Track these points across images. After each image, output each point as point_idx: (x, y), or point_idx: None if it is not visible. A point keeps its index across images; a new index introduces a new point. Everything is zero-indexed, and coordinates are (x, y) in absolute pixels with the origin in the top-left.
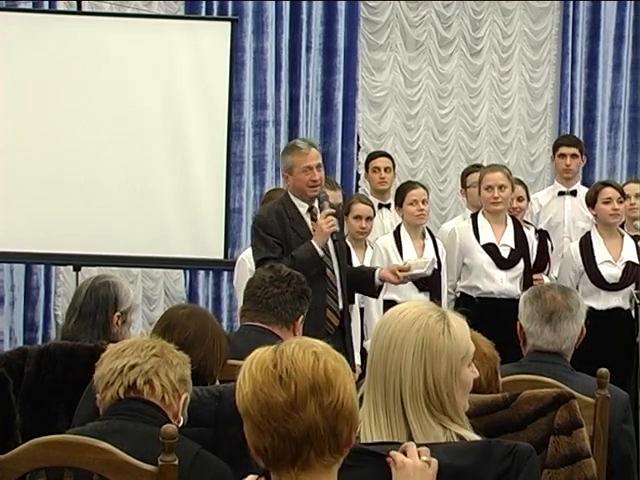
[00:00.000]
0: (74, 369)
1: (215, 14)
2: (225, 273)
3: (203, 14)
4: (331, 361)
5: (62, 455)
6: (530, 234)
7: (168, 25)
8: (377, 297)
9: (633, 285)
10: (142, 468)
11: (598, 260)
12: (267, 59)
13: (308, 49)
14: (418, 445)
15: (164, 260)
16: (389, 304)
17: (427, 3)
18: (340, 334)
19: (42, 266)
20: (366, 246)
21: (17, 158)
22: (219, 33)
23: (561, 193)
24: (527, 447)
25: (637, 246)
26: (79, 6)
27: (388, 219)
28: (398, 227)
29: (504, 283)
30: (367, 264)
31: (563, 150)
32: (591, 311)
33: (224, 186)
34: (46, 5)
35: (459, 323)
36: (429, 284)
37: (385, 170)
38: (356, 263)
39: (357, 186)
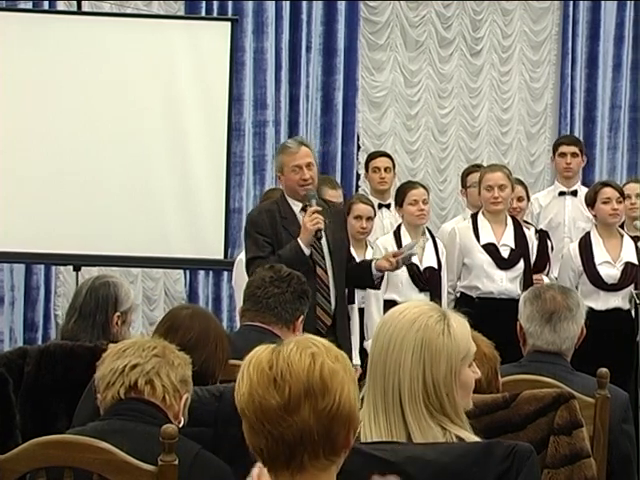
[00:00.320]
0: (74, 369)
1: (215, 14)
2: (225, 273)
3: (203, 14)
4: (329, 363)
5: (62, 455)
6: (530, 234)
7: (168, 25)
8: (379, 288)
9: (633, 285)
10: (142, 468)
11: (597, 261)
12: (267, 59)
13: (308, 49)
14: (418, 445)
15: (164, 260)
16: (389, 304)
17: (427, 3)
18: (332, 333)
19: (42, 266)
20: (366, 246)
21: (17, 158)
22: (219, 33)
23: (562, 193)
24: (527, 447)
25: (637, 247)
26: (79, 6)
27: (388, 219)
28: (398, 227)
29: (504, 283)
30: None
31: (563, 149)
32: (590, 311)
33: (224, 186)
34: (46, 5)
35: (460, 323)
36: (429, 284)
37: (385, 170)
38: None
39: (357, 186)
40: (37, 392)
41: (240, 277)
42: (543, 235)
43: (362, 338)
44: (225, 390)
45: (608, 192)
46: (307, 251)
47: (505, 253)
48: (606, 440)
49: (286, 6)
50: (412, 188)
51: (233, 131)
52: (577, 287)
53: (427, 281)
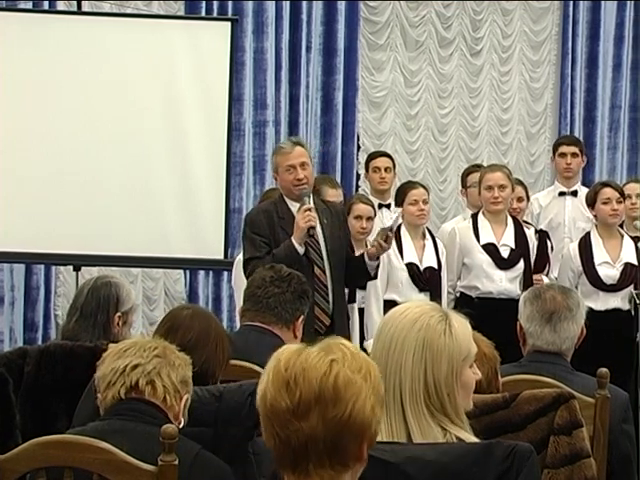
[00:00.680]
0: (74, 369)
1: (215, 14)
2: (225, 273)
3: (203, 14)
4: (346, 372)
5: (62, 455)
6: (530, 234)
7: (168, 25)
8: (375, 278)
9: (632, 285)
10: (142, 468)
11: (596, 261)
12: (267, 59)
13: (308, 49)
14: (418, 445)
15: (164, 260)
16: (389, 304)
17: (427, 3)
18: (330, 333)
19: (42, 266)
20: (366, 246)
21: (17, 158)
22: (219, 33)
23: (562, 193)
24: (527, 447)
25: (637, 247)
26: (79, 6)
27: (388, 219)
28: (398, 227)
29: (503, 283)
30: None
31: (563, 149)
32: (590, 312)
33: (224, 186)
34: (46, 5)
35: (461, 324)
36: (429, 284)
37: (385, 170)
38: None
39: (357, 186)
40: (37, 392)
41: (240, 277)
42: (543, 235)
43: (362, 338)
44: (225, 390)
45: (608, 192)
46: (301, 250)
47: (505, 253)
48: (606, 440)
49: (286, 6)
50: (412, 188)
51: (233, 131)
52: (577, 287)
53: (427, 281)
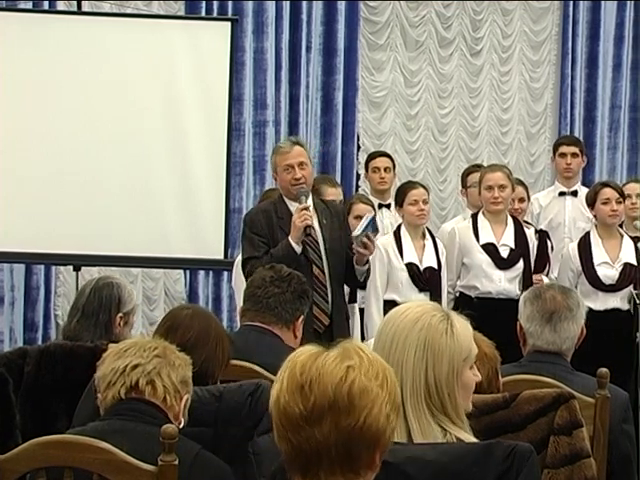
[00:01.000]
0: (74, 369)
1: (215, 14)
2: (225, 273)
3: (203, 14)
4: (362, 379)
5: (62, 455)
6: (530, 234)
7: (168, 25)
8: (363, 287)
9: (632, 285)
10: (142, 468)
11: (596, 261)
12: (267, 59)
13: (308, 49)
14: (418, 445)
15: (164, 260)
16: (389, 304)
17: (427, 3)
18: (329, 333)
19: (42, 266)
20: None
21: (17, 158)
22: (219, 33)
23: (562, 193)
24: (527, 447)
25: (636, 247)
26: (79, 6)
27: (388, 219)
28: (398, 227)
29: (502, 283)
30: None
31: (563, 149)
32: (589, 312)
33: (224, 186)
34: (46, 5)
35: (462, 324)
36: (429, 284)
37: (385, 170)
38: None
39: (357, 186)
40: (37, 392)
41: (239, 277)
42: (543, 235)
43: (362, 338)
44: (225, 390)
45: (608, 193)
46: (298, 249)
47: (504, 253)
48: (606, 440)
49: (286, 6)
50: (412, 188)
51: (233, 131)
52: (576, 287)
53: (427, 281)
